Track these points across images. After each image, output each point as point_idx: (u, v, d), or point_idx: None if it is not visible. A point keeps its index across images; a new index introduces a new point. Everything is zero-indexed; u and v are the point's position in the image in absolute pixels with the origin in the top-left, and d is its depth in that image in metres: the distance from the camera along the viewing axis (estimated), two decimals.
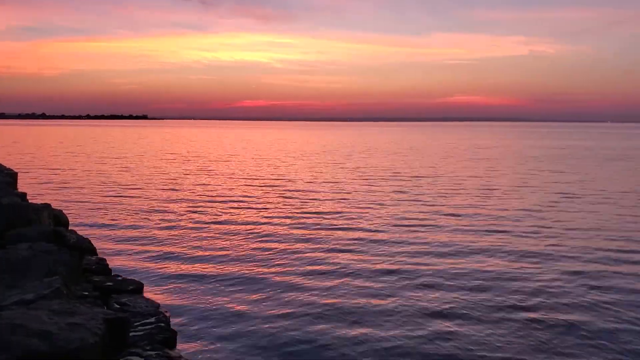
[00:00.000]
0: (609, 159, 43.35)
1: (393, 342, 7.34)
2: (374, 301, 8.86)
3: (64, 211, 13.69)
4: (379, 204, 18.80)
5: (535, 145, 65.93)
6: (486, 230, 14.41)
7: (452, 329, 7.74)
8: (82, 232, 12.44)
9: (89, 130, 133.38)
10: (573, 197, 21.01)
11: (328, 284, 9.76)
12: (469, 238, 13.48)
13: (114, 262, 10.75)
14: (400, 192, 22.14)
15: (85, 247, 10.30)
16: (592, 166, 36.04)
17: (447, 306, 8.64)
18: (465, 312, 8.40)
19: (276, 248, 12.46)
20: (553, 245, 12.84)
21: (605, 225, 15.34)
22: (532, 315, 8.33)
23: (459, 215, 16.60)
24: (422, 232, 14.22)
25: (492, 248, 12.45)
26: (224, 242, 13.07)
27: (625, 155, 48.27)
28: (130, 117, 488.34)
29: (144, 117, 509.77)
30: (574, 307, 8.73)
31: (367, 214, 16.77)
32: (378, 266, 10.93)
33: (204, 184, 24.71)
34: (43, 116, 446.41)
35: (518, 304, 8.81)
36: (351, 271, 10.57)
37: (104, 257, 10.40)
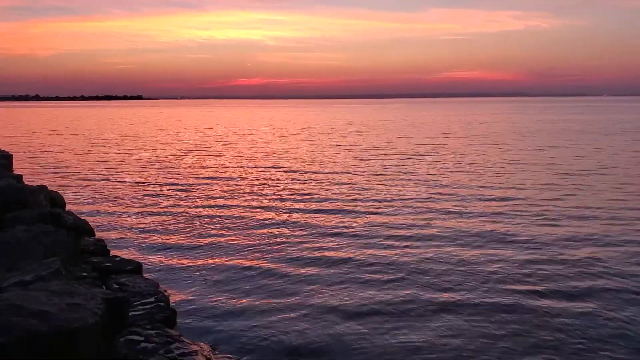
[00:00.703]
0: (610, 133, 43.31)
1: (402, 334, 7.13)
2: (380, 292, 8.60)
3: (60, 193, 13.66)
4: (381, 184, 18.72)
5: (536, 120, 65.77)
6: (490, 214, 14.03)
7: (460, 320, 7.53)
8: (79, 213, 12.42)
9: (83, 111, 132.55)
10: (575, 175, 20.75)
11: (332, 275, 9.44)
12: (471, 221, 13.21)
13: (111, 244, 10.72)
14: (401, 172, 21.95)
15: (82, 227, 10.31)
16: (592, 141, 36.02)
17: (454, 296, 8.42)
18: (471, 301, 8.19)
19: (276, 234, 12.17)
20: (560, 228, 12.50)
21: (612, 205, 15.00)
22: (542, 303, 8.13)
23: (461, 198, 16.27)
24: (426, 215, 13.88)
25: (496, 233, 12.12)
26: (224, 226, 12.88)
27: (624, 129, 48.21)
28: (125, 98, 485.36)
29: (139, 97, 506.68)
30: (584, 293, 8.51)
31: (371, 197, 16.42)
32: (383, 253, 10.66)
33: (203, 167, 24.56)
34: (37, 97, 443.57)
35: (528, 291, 8.57)
36: (355, 260, 10.23)
37: (102, 238, 10.40)
